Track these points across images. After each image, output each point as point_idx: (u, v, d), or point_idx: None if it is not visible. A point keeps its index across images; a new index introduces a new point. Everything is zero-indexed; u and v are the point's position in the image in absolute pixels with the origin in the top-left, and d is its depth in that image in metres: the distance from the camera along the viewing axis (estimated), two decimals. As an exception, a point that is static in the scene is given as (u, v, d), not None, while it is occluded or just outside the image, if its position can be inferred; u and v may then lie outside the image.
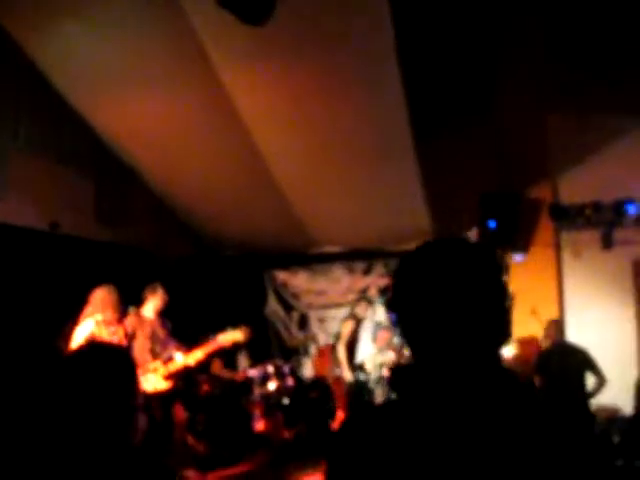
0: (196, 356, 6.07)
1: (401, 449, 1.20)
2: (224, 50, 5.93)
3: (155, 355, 6.14)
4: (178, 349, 6.25)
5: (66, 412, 1.86)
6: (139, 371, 5.45)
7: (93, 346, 2.07)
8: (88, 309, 5.65)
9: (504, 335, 1.30)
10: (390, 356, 7.35)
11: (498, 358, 1.29)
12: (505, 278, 1.35)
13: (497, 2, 6.89)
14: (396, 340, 7.41)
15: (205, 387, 7.30)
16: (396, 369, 1.33)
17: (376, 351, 7.61)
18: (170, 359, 6.10)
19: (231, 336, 6.23)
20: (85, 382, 1.87)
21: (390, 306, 1.38)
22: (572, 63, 7.41)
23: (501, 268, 1.35)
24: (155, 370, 5.95)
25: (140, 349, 6.15)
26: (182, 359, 6.07)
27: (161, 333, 6.34)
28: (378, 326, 7.87)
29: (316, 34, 5.69)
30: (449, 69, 7.03)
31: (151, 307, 6.39)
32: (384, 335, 7.60)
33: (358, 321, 7.58)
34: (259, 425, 7.30)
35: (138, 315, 6.33)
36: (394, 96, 6.32)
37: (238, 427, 7.10)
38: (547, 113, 7.69)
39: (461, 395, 1.21)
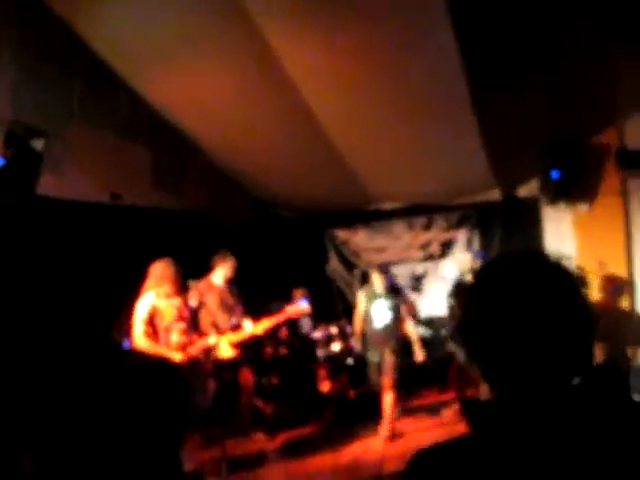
0: (264, 326, 6.21)
1: None
2: (271, 15, 5.83)
3: (224, 322, 6.33)
4: (246, 316, 6.45)
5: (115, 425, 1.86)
6: (209, 338, 5.68)
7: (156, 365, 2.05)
8: (148, 282, 5.78)
9: (588, 362, 1.22)
10: None
11: (586, 388, 1.20)
12: (587, 298, 1.25)
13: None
14: None
15: (270, 350, 7.40)
16: (471, 402, 1.25)
17: None
18: (239, 327, 6.28)
19: (299, 307, 6.34)
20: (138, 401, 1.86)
21: (461, 330, 1.31)
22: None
23: (582, 288, 1.25)
24: (223, 337, 6.13)
25: (209, 316, 6.38)
26: (251, 328, 6.25)
27: (230, 300, 6.52)
28: (460, 281, 7.56)
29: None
30: (509, 14, 6.73)
31: (220, 274, 6.57)
32: None
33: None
34: (324, 386, 7.40)
35: (207, 282, 6.53)
36: (449, 46, 6.10)
37: (304, 389, 7.21)
38: (612, 56, 7.30)
39: (544, 433, 1.14)
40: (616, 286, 7.01)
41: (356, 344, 7.16)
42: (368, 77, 6.64)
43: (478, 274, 1.34)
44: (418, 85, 6.71)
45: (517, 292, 1.21)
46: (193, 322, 6.06)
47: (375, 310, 6.83)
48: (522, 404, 1.18)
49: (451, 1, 5.56)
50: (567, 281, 1.23)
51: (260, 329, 6.21)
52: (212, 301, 6.42)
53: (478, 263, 7.40)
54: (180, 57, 6.42)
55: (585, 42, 7.22)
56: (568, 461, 1.12)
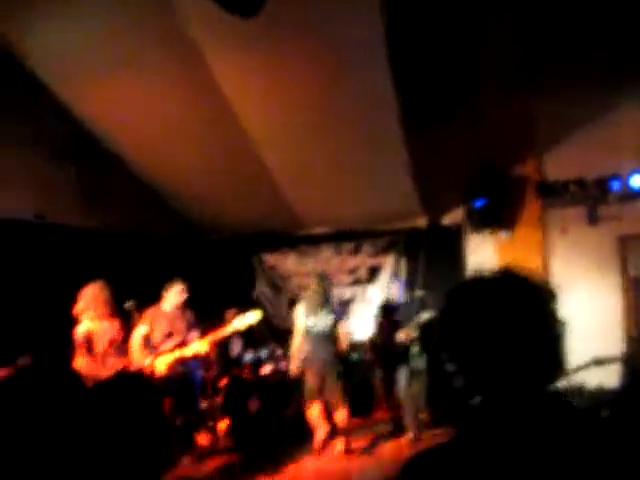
0: (209, 341, 6.31)
1: None
2: (211, 36, 5.85)
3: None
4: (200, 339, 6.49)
5: (93, 444, 1.83)
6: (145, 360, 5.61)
7: (121, 377, 2.05)
8: (80, 305, 5.62)
9: (559, 367, 1.32)
10: (403, 337, 7.13)
11: (557, 391, 1.30)
12: (555, 308, 1.34)
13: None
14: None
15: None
16: (457, 407, 1.35)
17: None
18: (184, 344, 6.30)
19: (248, 319, 6.28)
20: (113, 416, 1.84)
21: (441, 346, 1.39)
22: (557, 41, 7.42)
23: (549, 301, 1.35)
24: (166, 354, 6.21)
25: (156, 341, 6.34)
26: (197, 345, 6.29)
27: (180, 325, 6.45)
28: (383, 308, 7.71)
29: (306, 23, 5.63)
30: (436, 51, 7.01)
31: (168, 302, 6.53)
32: None
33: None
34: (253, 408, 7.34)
35: (156, 309, 6.49)
36: (383, 79, 6.30)
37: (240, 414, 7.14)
38: (532, 92, 7.71)
39: (522, 432, 1.24)
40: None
41: (293, 365, 6.82)
42: (304, 104, 6.75)
43: (455, 292, 1.41)
44: (352, 113, 6.86)
45: (490, 308, 1.31)
46: (126, 344, 5.96)
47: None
48: (501, 409, 1.28)
49: (388, 36, 5.75)
50: (536, 296, 1.33)
51: (205, 345, 6.25)
52: (159, 327, 6.36)
53: (403, 293, 7.62)
54: (111, 73, 6.32)
55: (507, 80, 7.60)
56: (543, 460, 1.22)
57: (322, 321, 6.67)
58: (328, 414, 6.68)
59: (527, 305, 1.30)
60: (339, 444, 6.64)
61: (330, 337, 6.65)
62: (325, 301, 6.75)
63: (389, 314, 7.52)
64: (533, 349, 1.27)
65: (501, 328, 1.28)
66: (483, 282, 1.36)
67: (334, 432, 6.70)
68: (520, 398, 1.27)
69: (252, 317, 6.28)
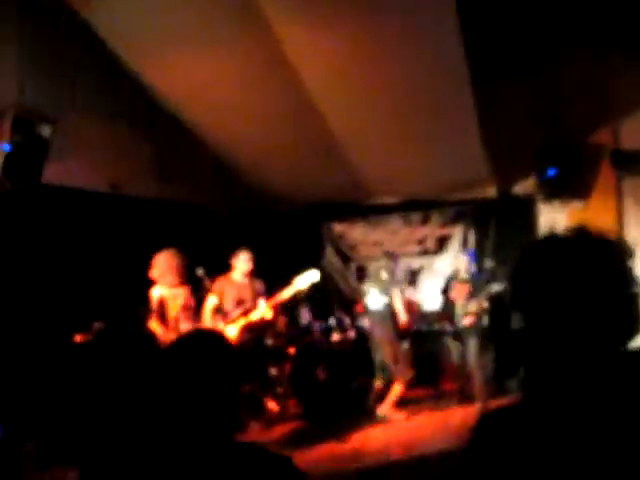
0: (274, 303, 6.44)
1: (537, 451, 1.23)
2: (279, 6, 5.86)
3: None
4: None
5: (168, 402, 1.88)
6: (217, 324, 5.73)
7: (197, 334, 2.10)
8: (153, 272, 5.78)
9: (634, 327, 1.30)
10: (473, 307, 7.14)
11: (631, 352, 1.29)
12: (630, 266, 1.32)
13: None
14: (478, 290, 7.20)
15: (270, 342, 7.36)
16: (526, 370, 1.36)
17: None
18: (251, 311, 6.38)
19: (308, 278, 6.38)
20: (189, 372, 1.89)
21: (513, 305, 1.39)
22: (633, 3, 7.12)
23: (625, 258, 1.33)
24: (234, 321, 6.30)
25: (227, 308, 6.47)
26: (262, 310, 6.38)
27: (248, 295, 6.56)
28: (452, 278, 7.71)
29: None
30: (509, 15, 6.83)
31: (238, 271, 6.68)
32: (462, 288, 7.34)
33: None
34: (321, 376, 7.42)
35: (226, 278, 6.64)
36: (453, 44, 6.17)
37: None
38: (608, 56, 7.43)
39: (594, 394, 1.23)
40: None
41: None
42: (371, 71, 6.69)
43: (528, 251, 1.40)
44: (421, 79, 6.77)
45: (565, 265, 1.30)
46: (197, 311, 6.12)
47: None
48: (574, 369, 1.26)
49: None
50: (611, 253, 1.31)
51: (270, 310, 6.39)
52: (228, 296, 6.50)
53: (473, 266, 7.50)
54: (185, 46, 6.40)
55: (582, 44, 7.34)
56: (613, 422, 1.20)
57: (375, 301, 6.97)
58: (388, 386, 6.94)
59: (602, 262, 1.29)
60: (389, 411, 6.84)
61: (386, 316, 6.90)
62: (380, 281, 6.99)
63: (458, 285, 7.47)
64: (608, 306, 1.26)
65: (576, 285, 1.27)
66: (557, 240, 1.36)
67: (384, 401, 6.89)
68: (594, 357, 1.26)
69: (311, 276, 6.36)
